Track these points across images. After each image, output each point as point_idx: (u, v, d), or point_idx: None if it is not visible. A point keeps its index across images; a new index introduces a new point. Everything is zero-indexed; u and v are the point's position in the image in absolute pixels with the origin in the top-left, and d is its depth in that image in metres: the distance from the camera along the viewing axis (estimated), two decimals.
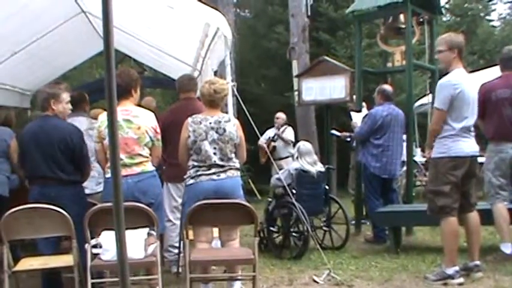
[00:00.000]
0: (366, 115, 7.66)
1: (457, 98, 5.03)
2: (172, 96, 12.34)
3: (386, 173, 7.39)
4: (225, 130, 4.73)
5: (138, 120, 4.62)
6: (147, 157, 4.68)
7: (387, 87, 7.65)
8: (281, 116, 10.95)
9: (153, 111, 5.00)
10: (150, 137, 4.67)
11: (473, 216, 5.26)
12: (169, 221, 5.74)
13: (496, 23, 24.07)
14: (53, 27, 6.92)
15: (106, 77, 1.59)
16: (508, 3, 26.13)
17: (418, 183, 11.00)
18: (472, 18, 21.37)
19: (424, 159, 8.80)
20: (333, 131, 9.15)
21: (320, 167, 7.07)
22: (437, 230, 5.68)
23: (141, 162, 4.62)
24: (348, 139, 9.28)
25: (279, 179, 6.78)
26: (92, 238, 4.28)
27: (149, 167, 4.69)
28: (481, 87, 5.78)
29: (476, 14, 21.71)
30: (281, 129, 10.79)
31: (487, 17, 23.18)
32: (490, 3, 23.50)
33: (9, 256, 4.33)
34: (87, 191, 5.27)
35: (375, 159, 7.36)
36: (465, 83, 5.11)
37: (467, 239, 5.34)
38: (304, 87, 8.50)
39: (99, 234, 4.32)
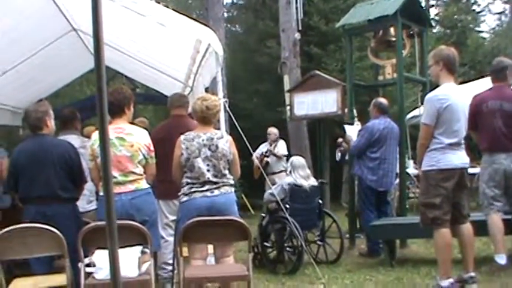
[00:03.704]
0: (362, 128, 7.66)
1: (444, 112, 5.01)
2: (165, 113, 12.33)
3: (383, 186, 7.40)
4: (217, 147, 4.74)
5: (131, 138, 4.63)
6: (141, 175, 4.69)
7: (383, 101, 7.65)
8: (273, 131, 10.94)
9: (146, 129, 5.00)
10: (144, 155, 4.68)
11: (467, 228, 5.25)
12: (162, 237, 5.69)
13: (485, 34, 24.26)
14: (44, 45, 6.92)
15: (97, 95, 1.60)
16: (497, 15, 26.35)
17: (411, 195, 11.01)
18: (461, 29, 21.53)
19: (417, 171, 8.80)
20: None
21: (313, 181, 7.07)
22: (431, 242, 5.66)
23: (135, 180, 4.63)
24: (339, 159, 9.25)
25: (272, 194, 6.78)
26: (85, 257, 4.25)
27: (143, 184, 4.70)
28: (472, 99, 5.79)
29: (465, 26, 21.88)
30: (273, 145, 10.78)
31: (477, 28, 23.36)
32: (479, 14, 23.72)
33: (1, 276, 4.29)
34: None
35: (371, 172, 7.35)
36: (454, 96, 5.09)
37: (461, 250, 5.33)
38: (296, 101, 8.53)
39: (93, 253, 4.29)
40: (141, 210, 4.59)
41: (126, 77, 10.59)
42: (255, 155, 9.37)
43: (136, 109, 6.63)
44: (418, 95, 9.07)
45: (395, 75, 8.04)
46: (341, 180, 10.39)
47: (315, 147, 9.62)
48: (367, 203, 7.44)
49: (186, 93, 7.13)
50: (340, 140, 8.98)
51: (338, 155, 9.46)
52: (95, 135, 4.60)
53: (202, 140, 4.76)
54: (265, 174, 7.87)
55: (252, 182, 11.37)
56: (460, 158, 5.13)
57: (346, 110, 8.17)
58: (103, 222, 1.66)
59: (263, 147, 10.86)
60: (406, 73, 8.51)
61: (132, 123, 4.94)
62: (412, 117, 10.98)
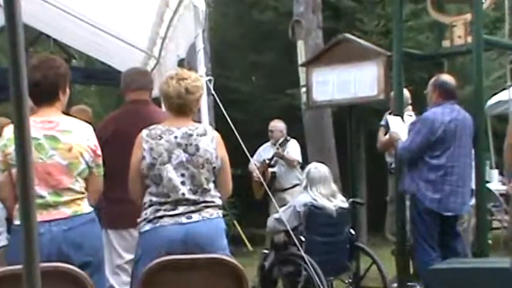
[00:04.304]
0: (417, 121, 7.59)
1: None
2: (116, 98, 12.33)
3: (449, 209, 7.33)
4: (198, 148, 4.71)
5: (68, 138, 4.57)
6: (82, 193, 4.64)
7: (448, 79, 7.59)
8: (277, 126, 10.80)
9: (89, 123, 4.97)
10: (87, 163, 4.62)
11: None
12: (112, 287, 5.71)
13: None
14: None
15: (11, 68, 1.56)
16: None
17: (496, 224, 10.96)
18: None
19: (505, 187, 8.77)
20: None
21: (341, 202, 7.13)
22: None
23: (72, 201, 4.57)
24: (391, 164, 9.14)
25: (279, 220, 6.81)
26: None
27: (85, 207, 4.65)
28: None
29: None
30: (280, 149, 10.61)
31: None
32: None
33: None
34: None
35: (433, 188, 7.28)
36: None
37: None
38: (316, 80, 8.52)
39: None
40: (82, 247, 4.54)
41: (55, 41, 10.58)
42: (254, 162, 9.30)
43: (73, 91, 6.61)
44: (506, 69, 9.05)
45: (469, 39, 8.00)
46: (384, 200, 10.31)
47: (344, 150, 9.57)
48: (425, 235, 7.39)
49: (150, 68, 7.13)
50: (381, 128, 8.75)
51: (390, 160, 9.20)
52: (8, 131, 4.56)
53: (175, 138, 4.72)
54: (270, 194, 7.79)
55: (249, 201, 11.36)
56: None
57: (391, 93, 8.13)
58: (18, 267, 1.62)
59: (263, 151, 10.78)
60: (487, 35, 8.47)
61: (67, 113, 4.90)
62: (495, 104, 10.95)
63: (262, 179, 8.99)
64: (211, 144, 4.77)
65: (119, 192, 5.14)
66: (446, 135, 7.27)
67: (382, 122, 8.21)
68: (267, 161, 10.48)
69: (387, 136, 7.94)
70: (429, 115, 7.42)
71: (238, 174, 9.57)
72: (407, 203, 7.79)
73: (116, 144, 5.20)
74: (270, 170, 10.42)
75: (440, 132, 7.25)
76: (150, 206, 4.72)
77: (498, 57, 12.64)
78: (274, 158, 10.50)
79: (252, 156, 8.44)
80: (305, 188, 7.07)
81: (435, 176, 7.29)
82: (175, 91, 4.77)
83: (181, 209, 4.67)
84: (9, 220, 5.19)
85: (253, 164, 9.26)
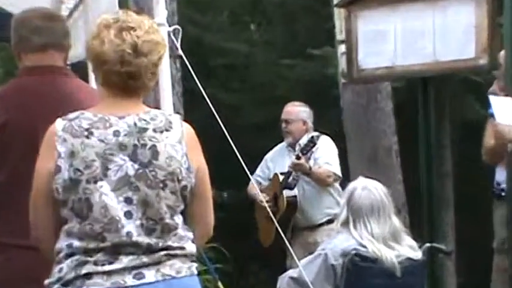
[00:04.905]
0: None
1: None
2: (7, 61, 12.33)
3: None
4: (155, 152, 4.55)
5: None
6: None
7: None
8: (296, 113, 10.85)
9: None
10: None
11: None
12: None
13: None
14: None
15: None
16: None
17: None
18: None
19: None
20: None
21: (410, 248, 7.05)
22: None
23: None
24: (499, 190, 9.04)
25: (297, 281, 6.77)
26: None
27: None
28: None
29: None
30: (299, 147, 10.51)
31: None
32: None
33: None
34: None
35: None
36: None
37: None
38: (365, 32, 8.41)
39: None
40: None
41: None
42: (254, 182, 9.17)
43: None
44: None
45: None
46: (489, 246, 10.22)
47: (413, 156, 9.46)
48: None
49: (69, 10, 7.03)
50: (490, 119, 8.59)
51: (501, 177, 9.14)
52: None
53: (116, 134, 4.55)
54: (285, 238, 7.64)
55: (244, 247, 11.28)
56: None
57: (501, 55, 8.03)
58: None
59: (274, 158, 10.78)
60: None
61: None
62: None
63: (271, 211, 8.78)
64: (179, 146, 4.62)
65: (11, 232, 5.04)
66: None
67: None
68: (280, 179, 10.24)
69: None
70: None
71: (224, 200, 9.45)
72: None
73: (6, 146, 5.04)
74: (287, 194, 10.23)
75: None
76: (69, 255, 4.55)
77: None
78: (293, 174, 10.25)
79: (251, 171, 8.26)
80: (345, 223, 6.97)
81: None
82: (116, 51, 4.58)
83: (125, 261, 4.52)
84: None
85: (254, 187, 9.11)
